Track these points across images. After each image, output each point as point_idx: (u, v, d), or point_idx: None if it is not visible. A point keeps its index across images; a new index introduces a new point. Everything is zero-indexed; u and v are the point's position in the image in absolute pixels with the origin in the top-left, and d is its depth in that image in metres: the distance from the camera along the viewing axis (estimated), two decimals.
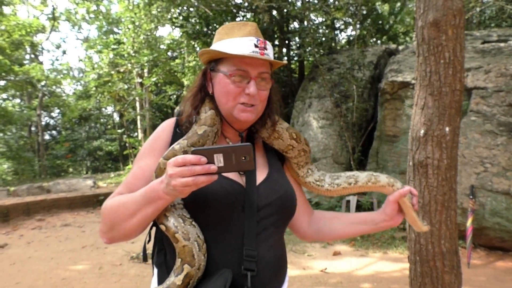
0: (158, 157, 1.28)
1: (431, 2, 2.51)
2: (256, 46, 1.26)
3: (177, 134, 1.34)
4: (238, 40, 1.27)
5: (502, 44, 7.44)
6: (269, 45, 1.31)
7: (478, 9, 10.93)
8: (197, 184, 1.01)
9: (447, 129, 2.48)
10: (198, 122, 1.30)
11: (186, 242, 1.14)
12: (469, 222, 5.29)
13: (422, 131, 2.54)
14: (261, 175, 1.34)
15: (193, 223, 1.18)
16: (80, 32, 33.22)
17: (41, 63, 21.02)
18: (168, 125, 1.39)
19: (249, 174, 1.30)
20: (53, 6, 18.28)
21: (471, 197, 5.46)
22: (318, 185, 1.45)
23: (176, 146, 1.21)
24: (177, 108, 1.50)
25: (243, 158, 1.02)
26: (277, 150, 1.47)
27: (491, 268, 5.23)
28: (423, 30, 2.56)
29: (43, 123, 21.33)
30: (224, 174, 1.17)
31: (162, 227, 1.16)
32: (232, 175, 1.28)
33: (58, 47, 25.15)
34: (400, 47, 10.85)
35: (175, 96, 17.62)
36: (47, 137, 22.63)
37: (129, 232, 1.22)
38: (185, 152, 1.18)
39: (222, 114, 1.34)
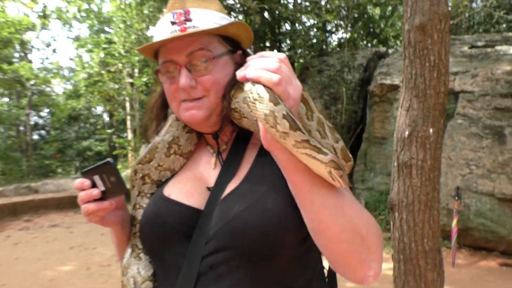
0: None
1: (418, 6, 2.57)
2: (173, 23, 0.95)
3: None
4: (158, 25, 1.01)
5: (489, 49, 7.57)
6: (197, 12, 0.97)
7: (467, 14, 11.11)
8: (89, 213, 0.93)
9: (431, 130, 2.53)
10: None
11: (123, 277, 1.02)
12: (454, 223, 5.38)
13: (406, 132, 2.60)
14: (230, 188, 0.97)
15: (141, 255, 1.03)
16: (71, 31, 33.04)
17: (30, 61, 20.84)
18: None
19: (214, 190, 0.97)
20: (43, 3, 18.13)
21: (456, 198, 5.55)
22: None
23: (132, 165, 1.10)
24: None
25: (113, 179, 0.91)
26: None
27: (475, 268, 5.32)
28: (410, 33, 2.62)
29: (32, 122, 21.12)
30: (180, 194, 0.99)
31: None
32: (196, 193, 1.00)
33: (48, 45, 24.97)
34: (390, 51, 10.98)
35: None
36: (35, 136, 22.40)
37: (119, 257, 1.14)
38: (135, 171, 1.07)
39: None
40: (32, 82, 18.11)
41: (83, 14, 20.68)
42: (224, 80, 0.99)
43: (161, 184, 1.08)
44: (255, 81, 0.73)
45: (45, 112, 23.15)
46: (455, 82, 6.79)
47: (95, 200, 0.94)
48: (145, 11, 12.68)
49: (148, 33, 14.38)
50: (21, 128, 21.06)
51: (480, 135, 5.98)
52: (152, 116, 1.14)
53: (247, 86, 0.74)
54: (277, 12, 10.92)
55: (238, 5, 11.16)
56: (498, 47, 7.56)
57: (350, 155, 0.95)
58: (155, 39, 0.99)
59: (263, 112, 0.71)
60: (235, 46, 1.04)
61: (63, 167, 20.54)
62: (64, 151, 20.47)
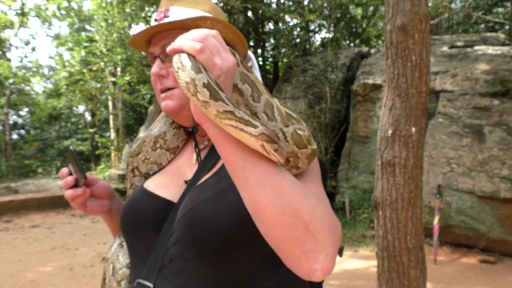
0: None
1: (399, 7, 2.61)
2: (155, 20, 1.04)
3: None
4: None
5: (468, 49, 7.74)
6: (177, 9, 1.02)
7: (446, 14, 11.31)
8: (69, 198, 0.99)
9: (413, 129, 2.58)
10: None
11: (105, 263, 1.07)
12: (436, 220, 5.49)
13: (390, 131, 2.64)
14: (201, 183, 0.98)
15: (123, 243, 1.06)
16: (51, 29, 32.40)
17: (9, 60, 20.37)
18: None
19: (190, 184, 0.99)
20: (22, 1, 17.74)
21: (438, 196, 5.66)
22: None
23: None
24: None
25: (75, 166, 0.96)
26: None
27: (456, 265, 5.43)
28: (392, 34, 2.66)
29: (11, 122, 20.66)
30: (156, 186, 1.03)
31: None
32: (172, 186, 1.03)
33: (27, 43, 24.39)
34: (372, 50, 11.12)
35: (148, 96, 17.41)
36: (15, 136, 21.91)
37: None
38: (127, 165, 1.15)
39: None
40: (11, 80, 17.70)
41: (63, 12, 20.33)
42: None
43: (148, 177, 1.11)
44: (179, 51, 0.72)
45: (24, 111, 22.69)
46: (435, 82, 6.92)
47: (73, 187, 0.99)
48: (127, 10, 12.55)
49: (131, 32, 14.23)
50: (0, 127, 20.60)
51: (460, 133, 6.10)
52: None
53: (174, 58, 0.73)
54: (260, 11, 10.95)
55: (222, 4, 11.13)
56: (476, 47, 7.73)
57: (306, 143, 0.89)
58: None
59: (184, 80, 0.69)
60: None
61: (43, 167, 20.14)
62: (45, 151, 20.09)
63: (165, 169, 1.11)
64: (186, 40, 0.72)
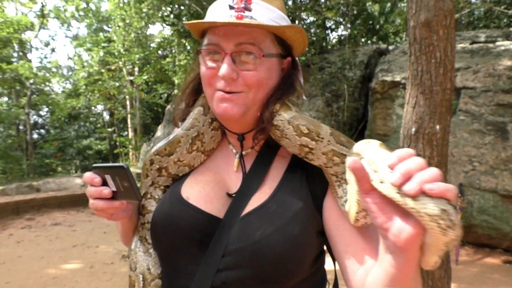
0: None
1: (423, 2, 2.56)
2: (231, 8, 0.90)
3: None
4: (214, 4, 0.95)
5: (490, 45, 7.56)
6: (258, 3, 0.91)
7: (467, 10, 11.08)
8: (97, 209, 0.89)
9: (437, 127, 2.53)
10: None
11: (131, 273, 0.99)
12: None
13: (413, 129, 2.59)
14: (256, 203, 0.92)
15: (151, 251, 0.99)
16: (70, 30, 33.00)
17: (29, 60, 20.79)
18: None
19: (237, 199, 0.93)
20: (42, 3, 18.07)
21: (459, 195, 5.56)
22: (343, 205, 0.91)
23: (148, 153, 1.04)
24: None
25: (125, 183, 0.84)
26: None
27: (479, 265, 5.32)
28: (415, 30, 2.61)
29: (32, 121, 21.10)
30: (199, 198, 0.94)
31: None
32: (215, 198, 0.95)
33: (47, 45, 24.88)
34: (390, 47, 10.96)
35: (166, 95, 17.56)
36: (35, 136, 22.39)
37: (124, 243, 1.13)
38: (151, 161, 1.02)
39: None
40: (31, 81, 18.07)
41: (81, 13, 20.66)
42: (267, 83, 0.94)
43: (177, 178, 1.04)
44: (439, 196, 0.56)
45: (44, 111, 23.16)
46: (456, 78, 6.78)
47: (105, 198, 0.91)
48: (144, 10, 12.65)
49: (148, 32, 14.35)
50: (21, 127, 21.05)
51: (482, 131, 5.97)
52: (183, 98, 1.08)
53: (433, 205, 0.56)
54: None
55: None
56: (499, 43, 7.55)
57: None
58: (207, 17, 0.95)
59: (450, 238, 0.57)
60: (286, 51, 0.99)
61: (63, 165, 20.55)
62: (64, 150, 20.47)
63: (199, 174, 1.02)
64: (451, 190, 0.56)
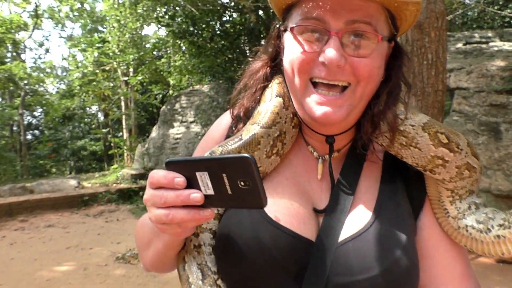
0: None
1: None
2: None
3: (231, 133, 0.90)
4: None
5: (483, 46, 7.61)
6: None
7: (460, 11, 11.14)
8: (173, 222, 0.62)
9: None
10: (253, 117, 0.82)
11: None
12: None
13: None
14: (351, 225, 0.76)
15: (219, 282, 0.77)
16: (64, 30, 32.86)
17: (23, 61, 20.69)
18: (225, 119, 0.94)
19: (330, 218, 0.76)
20: (35, 3, 17.98)
21: None
22: (480, 230, 0.78)
23: (207, 154, 0.77)
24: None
25: (242, 183, 0.59)
26: (412, 166, 0.82)
27: (473, 264, 5.31)
28: (407, 32, 2.62)
29: (26, 122, 20.98)
30: (290, 218, 0.75)
31: (178, 273, 0.81)
32: (307, 218, 0.78)
33: (41, 45, 24.77)
34: None
35: (161, 96, 17.53)
36: (29, 136, 22.27)
37: (151, 266, 0.89)
38: None
39: (294, 105, 0.82)
40: (25, 81, 17.97)
41: (76, 13, 20.58)
42: (378, 74, 0.75)
43: None
44: None
45: (38, 112, 23.03)
46: (450, 79, 6.81)
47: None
48: (139, 10, 12.62)
49: (143, 32, 14.32)
50: (15, 128, 20.92)
51: (476, 131, 6.01)
52: (249, 83, 0.87)
53: None
54: (271, 10, 10.90)
55: (233, 4, 11.14)
56: (492, 43, 7.59)
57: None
58: None
59: None
60: (393, 33, 0.78)
61: (57, 166, 20.42)
62: (59, 151, 20.37)
63: (277, 184, 0.82)
64: None
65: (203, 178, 0.61)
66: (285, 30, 0.78)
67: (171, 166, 0.63)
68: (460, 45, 7.98)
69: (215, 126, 0.95)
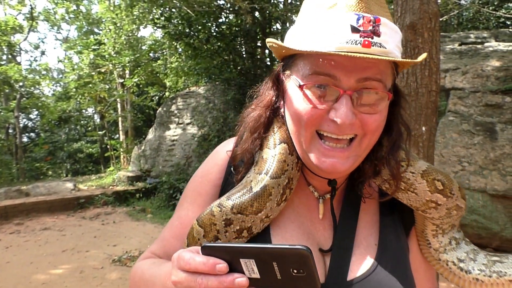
0: (204, 206, 0.86)
1: (408, 5, 2.58)
2: (355, 29, 0.67)
3: (231, 176, 0.89)
4: (324, 20, 0.70)
5: (478, 46, 7.64)
6: (386, 24, 0.70)
7: (455, 11, 11.18)
8: None
9: (423, 128, 2.54)
10: (257, 164, 0.82)
11: None
12: None
13: None
14: (358, 263, 0.79)
15: None
16: (60, 33, 32.78)
17: (19, 63, 20.62)
18: (221, 158, 0.93)
19: (337, 258, 0.79)
20: (31, 5, 17.94)
21: None
22: (460, 268, 0.87)
23: (215, 208, 0.77)
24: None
25: (295, 271, 0.58)
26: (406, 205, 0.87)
27: None
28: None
29: (21, 125, 20.90)
30: None
31: None
32: (316, 258, 0.76)
33: (36, 47, 24.70)
34: None
35: (157, 97, 17.50)
36: (25, 139, 22.17)
37: None
38: (227, 221, 0.77)
39: (296, 149, 0.82)
40: (20, 83, 17.90)
41: (72, 15, 20.54)
42: (383, 125, 0.77)
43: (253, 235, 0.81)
44: None
45: (34, 114, 22.94)
46: (445, 79, 6.83)
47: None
48: (135, 12, 12.61)
49: (139, 34, 14.30)
50: (10, 130, 20.84)
51: (471, 131, 6.02)
52: (251, 130, 0.86)
53: None
54: (267, 12, 10.92)
55: (229, 5, 11.14)
56: (487, 44, 7.62)
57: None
58: (313, 39, 0.71)
59: None
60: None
61: (53, 169, 20.35)
62: (55, 154, 20.30)
63: (283, 228, 0.83)
64: None
65: (248, 264, 0.59)
66: (288, 76, 0.79)
67: (208, 250, 0.61)
68: (455, 45, 8.00)
69: (211, 165, 0.93)
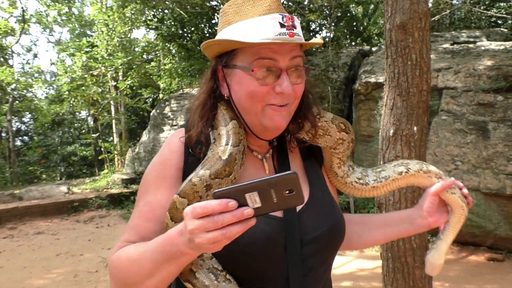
0: (170, 188, 1.01)
1: (398, 5, 2.58)
2: (282, 25, 0.94)
3: (190, 157, 1.04)
4: (256, 22, 0.96)
5: (470, 45, 7.68)
6: (296, 20, 0.99)
7: (447, 11, 11.24)
8: (230, 238, 0.75)
9: (415, 128, 2.55)
10: (217, 140, 1.00)
11: None
12: None
13: (391, 131, 2.61)
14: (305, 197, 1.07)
15: (228, 276, 0.94)
16: (52, 35, 32.58)
17: (11, 66, 20.45)
18: (176, 145, 1.07)
19: None
20: (22, 8, 17.81)
21: None
22: (361, 183, 1.19)
23: (195, 178, 0.91)
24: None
25: (287, 192, 0.75)
26: (317, 149, 1.19)
27: (464, 263, 5.39)
28: (391, 32, 2.63)
29: (14, 128, 20.75)
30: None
31: (188, 286, 0.94)
32: None
33: (29, 50, 24.54)
34: (374, 49, 11.06)
35: (151, 99, 17.45)
36: (18, 143, 22.01)
37: None
38: (208, 187, 0.91)
39: (246, 123, 1.04)
40: (13, 86, 17.77)
41: (64, 18, 20.42)
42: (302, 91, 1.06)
43: None
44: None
45: (27, 117, 22.79)
46: (438, 79, 6.86)
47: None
48: (127, 14, 12.57)
49: (132, 36, 14.25)
50: (3, 134, 20.69)
51: (464, 130, 6.05)
52: (201, 115, 1.05)
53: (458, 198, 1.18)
54: None
55: (221, 6, 11.12)
56: (479, 43, 7.67)
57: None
58: (247, 38, 0.95)
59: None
60: None
61: (47, 172, 20.20)
62: (48, 157, 20.16)
63: (241, 183, 0.97)
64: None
65: (251, 196, 0.75)
66: (230, 67, 1.01)
67: (219, 195, 0.75)
68: (447, 45, 8.04)
69: (168, 153, 1.08)
